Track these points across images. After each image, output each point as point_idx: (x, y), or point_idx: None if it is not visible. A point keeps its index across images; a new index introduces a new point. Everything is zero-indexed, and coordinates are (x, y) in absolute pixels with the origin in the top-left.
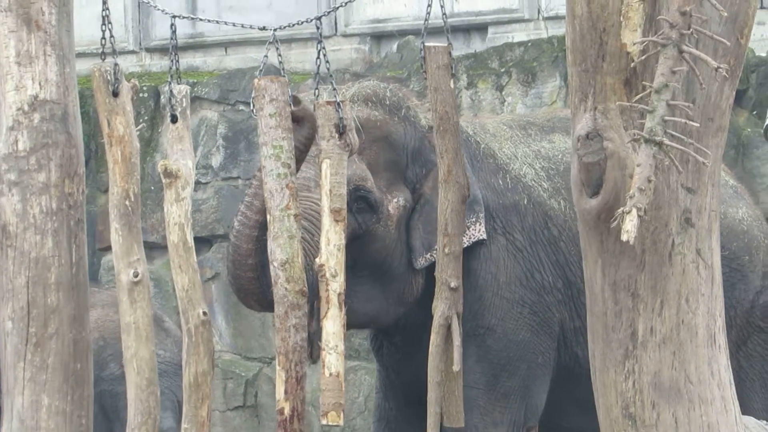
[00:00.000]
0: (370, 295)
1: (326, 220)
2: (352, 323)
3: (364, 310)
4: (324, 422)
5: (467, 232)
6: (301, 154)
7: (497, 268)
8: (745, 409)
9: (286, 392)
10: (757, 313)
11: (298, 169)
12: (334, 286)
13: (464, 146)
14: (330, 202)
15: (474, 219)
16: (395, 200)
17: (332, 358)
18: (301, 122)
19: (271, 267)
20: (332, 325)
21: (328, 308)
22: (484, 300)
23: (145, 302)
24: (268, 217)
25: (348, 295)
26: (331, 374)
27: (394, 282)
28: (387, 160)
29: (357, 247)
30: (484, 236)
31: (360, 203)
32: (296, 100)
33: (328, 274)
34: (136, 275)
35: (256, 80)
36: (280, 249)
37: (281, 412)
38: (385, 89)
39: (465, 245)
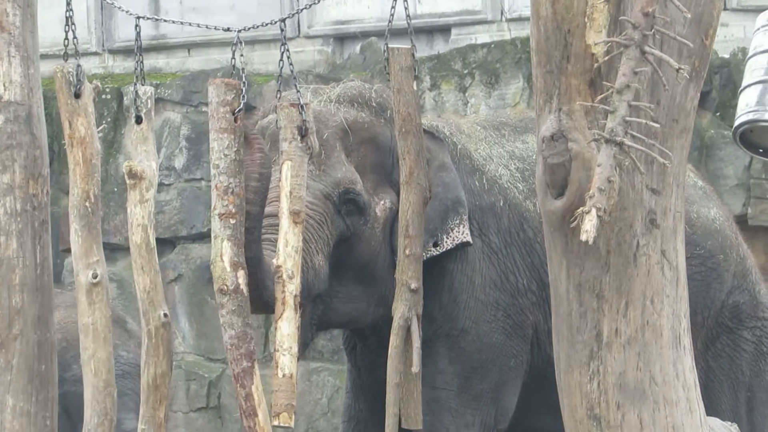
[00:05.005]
0: (352, 296)
1: (284, 222)
2: (332, 323)
3: (345, 309)
4: (276, 423)
5: (451, 234)
6: (261, 176)
7: (473, 270)
8: (713, 409)
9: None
10: (726, 313)
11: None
12: (291, 288)
13: (442, 147)
14: (290, 204)
15: (458, 221)
16: (382, 202)
17: (285, 360)
18: (250, 145)
19: None
20: (287, 326)
21: (284, 310)
22: (459, 302)
23: (103, 303)
24: None
25: (330, 294)
26: (284, 375)
27: (377, 283)
28: (374, 162)
29: (343, 249)
30: (469, 238)
31: (349, 206)
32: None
33: (285, 276)
34: (95, 276)
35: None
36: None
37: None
38: (370, 90)
39: (449, 247)
